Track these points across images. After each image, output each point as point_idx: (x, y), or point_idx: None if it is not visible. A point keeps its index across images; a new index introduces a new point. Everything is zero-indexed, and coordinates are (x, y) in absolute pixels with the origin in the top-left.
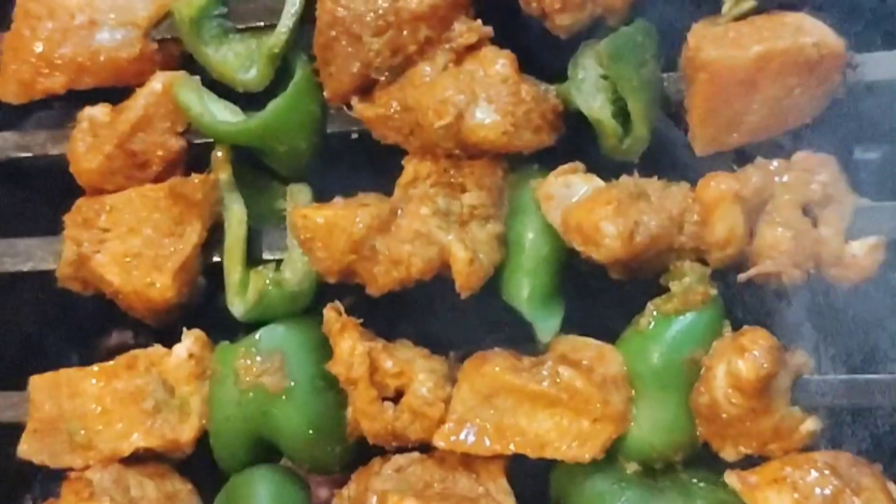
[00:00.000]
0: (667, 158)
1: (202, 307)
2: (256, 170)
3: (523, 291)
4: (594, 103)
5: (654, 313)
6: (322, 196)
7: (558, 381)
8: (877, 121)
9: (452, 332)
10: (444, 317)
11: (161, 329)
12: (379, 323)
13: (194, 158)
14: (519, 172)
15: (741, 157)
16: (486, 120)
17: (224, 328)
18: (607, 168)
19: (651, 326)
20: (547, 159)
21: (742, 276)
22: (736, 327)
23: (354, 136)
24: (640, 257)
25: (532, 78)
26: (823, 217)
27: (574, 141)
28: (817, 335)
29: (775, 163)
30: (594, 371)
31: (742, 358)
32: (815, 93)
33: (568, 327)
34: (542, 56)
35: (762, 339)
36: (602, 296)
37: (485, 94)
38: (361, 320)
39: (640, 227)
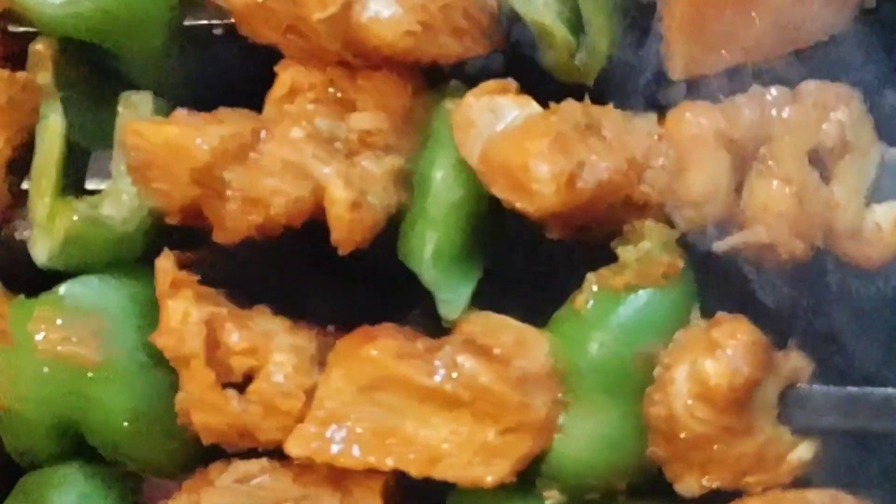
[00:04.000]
0: (632, 82)
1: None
2: (101, 76)
3: (424, 249)
4: (538, 2)
5: (597, 288)
6: None
7: (455, 375)
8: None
9: (351, 304)
10: (344, 284)
11: None
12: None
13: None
14: (435, 92)
15: (731, 83)
16: (383, 14)
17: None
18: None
19: (591, 306)
20: (477, 79)
21: (722, 245)
22: (709, 314)
23: (218, 31)
24: (585, 211)
25: None
26: (838, 171)
27: (516, 58)
28: (821, 331)
29: (774, 91)
30: (510, 363)
31: (712, 357)
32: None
33: (485, 301)
34: None
35: (742, 333)
36: (535, 261)
37: None
38: (199, 277)
39: (585, 169)
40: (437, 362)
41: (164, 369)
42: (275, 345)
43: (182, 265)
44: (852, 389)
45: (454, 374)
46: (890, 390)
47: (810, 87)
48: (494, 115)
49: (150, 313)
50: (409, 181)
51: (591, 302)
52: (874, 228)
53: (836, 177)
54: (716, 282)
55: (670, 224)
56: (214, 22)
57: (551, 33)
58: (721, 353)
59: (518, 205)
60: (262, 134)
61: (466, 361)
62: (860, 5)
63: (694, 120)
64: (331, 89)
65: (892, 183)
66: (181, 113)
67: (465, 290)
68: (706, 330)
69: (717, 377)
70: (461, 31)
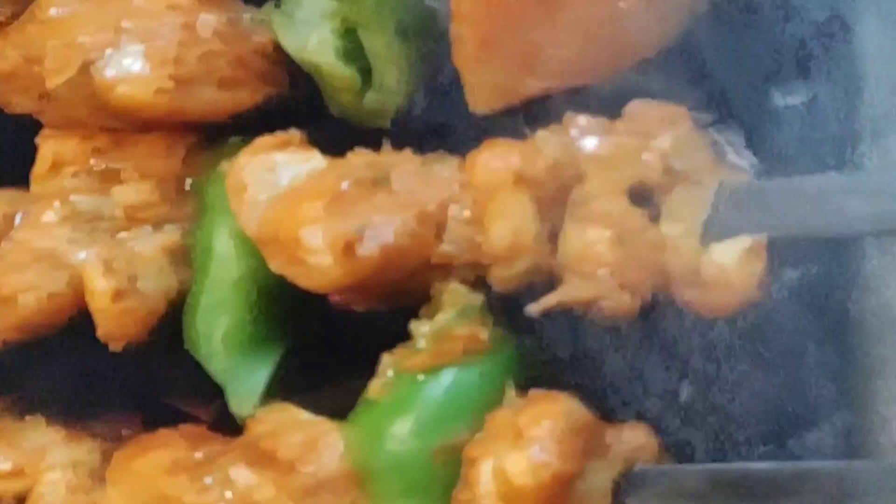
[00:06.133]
0: (437, 122)
1: None
2: None
3: (210, 335)
4: (310, 38)
5: (392, 372)
6: None
7: (229, 493)
8: (761, 56)
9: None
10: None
11: None
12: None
13: None
14: (213, 152)
15: (546, 115)
16: (128, 72)
17: None
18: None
19: (388, 394)
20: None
21: (535, 307)
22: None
23: None
24: (381, 281)
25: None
26: (667, 207)
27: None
28: (670, 397)
29: (583, 121)
30: (296, 470)
31: (516, 449)
32: (659, 7)
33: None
34: None
35: (549, 418)
36: (348, 339)
37: (136, 29)
38: None
39: (366, 232)
40: (207, 478)
41: None
42: (47, 462)
43: None
44: (706, 466)
45: (227, 493)
46: (752, 464)
47: (630, 109)
48: (273, 175)
49: None
50: (188, 259)
51: (388, 388)
52: (716, 270)
53: (667, 214)
54: (541, 349)
55: (483, 285)
56: None
57: (329, 74)
58: (525, 444)
59: (299, 281)
60: (18, 219)
61: (240, 475)
62: (687, 12)
63: (489, 162)
64: (93, 160)
65: (732, 217)
66: None
67: (258, 383)
68: (514, 413)
69: (520, 475)
70: (229, 81)
